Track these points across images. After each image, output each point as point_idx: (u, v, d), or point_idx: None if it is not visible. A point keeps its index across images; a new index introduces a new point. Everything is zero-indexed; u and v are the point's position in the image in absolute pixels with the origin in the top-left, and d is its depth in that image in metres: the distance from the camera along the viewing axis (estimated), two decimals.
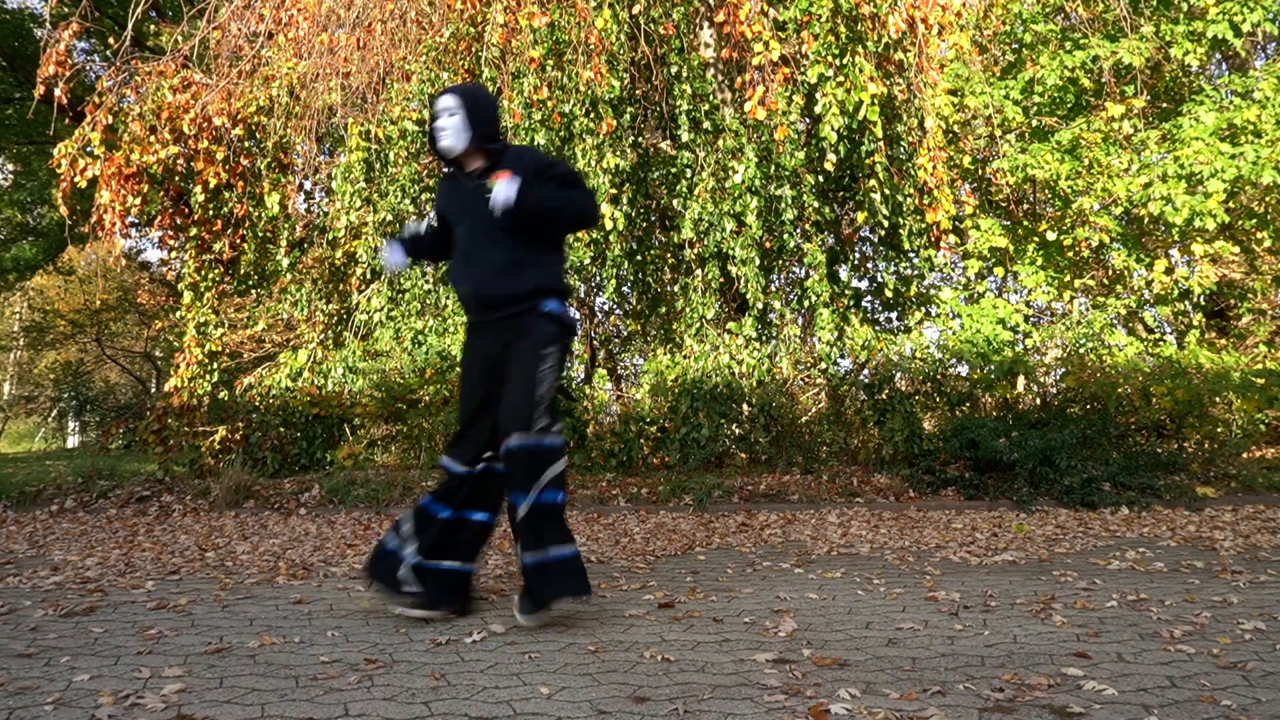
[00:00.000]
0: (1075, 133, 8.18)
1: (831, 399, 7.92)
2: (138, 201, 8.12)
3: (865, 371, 7.74)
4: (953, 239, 8.48)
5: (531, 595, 2.83)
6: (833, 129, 6.98)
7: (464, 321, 3.40)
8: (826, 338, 7.43)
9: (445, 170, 3.19)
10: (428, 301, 7.95)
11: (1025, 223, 9.08)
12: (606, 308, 10.97)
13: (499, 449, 2.89)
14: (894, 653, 2.53)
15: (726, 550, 4.40)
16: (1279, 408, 7.35)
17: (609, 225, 7.33)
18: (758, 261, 7.32)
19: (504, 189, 2.81)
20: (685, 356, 7.49)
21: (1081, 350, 7.72)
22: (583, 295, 10.23)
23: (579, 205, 2.99)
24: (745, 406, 7.20)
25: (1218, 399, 7.03)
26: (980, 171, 9.23)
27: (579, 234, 7.61)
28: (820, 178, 7.60)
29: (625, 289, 9.72)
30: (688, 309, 7.79)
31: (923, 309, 8.77)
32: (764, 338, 7.76)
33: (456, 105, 2.98)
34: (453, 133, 2.98)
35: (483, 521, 3.01)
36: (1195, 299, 8.67)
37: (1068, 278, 8.61)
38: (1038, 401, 7.55)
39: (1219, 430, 7.12)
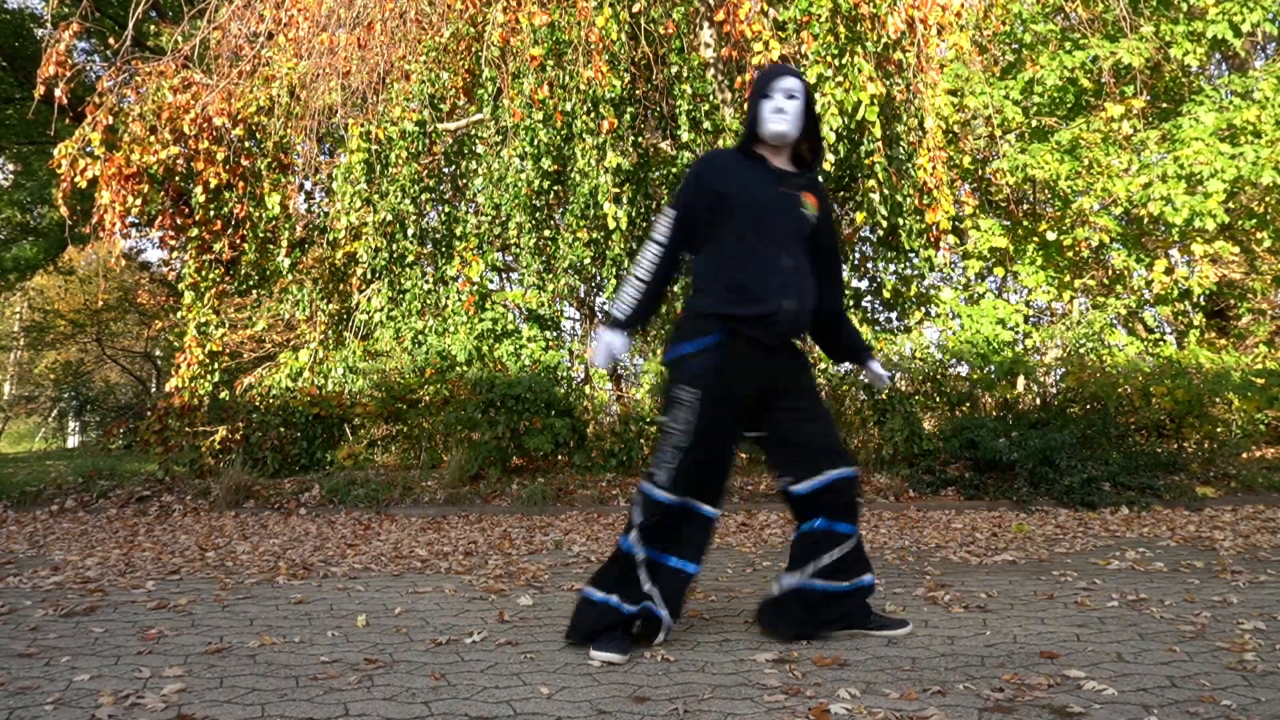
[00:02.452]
0: (1075, 133, 8.18)
1: (831, 399, 7.92)
2: (138, 202, 8.12)
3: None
4: (952, 239, 8.48)
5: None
6: (831, 129, 6.98)
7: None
8: None
9: (728, 151, 2.77)
10: (428, 301, 7.95)
11: (1025, 223, 9.08)
12: (606, 308, 10.97)
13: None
14: (894, 653, 2.53)
15: (726, 550, 4.40)
16: (1279, 408, 7.35)
17: (610, 225, 7.33)
18: None
19: (884, 378, 2.90)
20: None
21: (1081, 350, 7.72)
22: (583, 295, 10.23)
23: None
24: None
25: (1218, 399, 7.03)
26: (980, 171, 9.23)
27: (579, 234, 7.61)
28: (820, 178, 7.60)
29: None
30: None
31: (923, 309, 8.77)
32: None
33: (800, 89, 2.65)
34: (794, 118, 2.62)
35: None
36: (1195, 299, 8.67)
37: (1068, 278, 8.61)
38: (1038, 401, 7.55)
39: (1219, 430, 7.12)
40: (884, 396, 7.24)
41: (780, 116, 2.60)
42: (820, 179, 2.82)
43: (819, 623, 2.65)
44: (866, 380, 2.83)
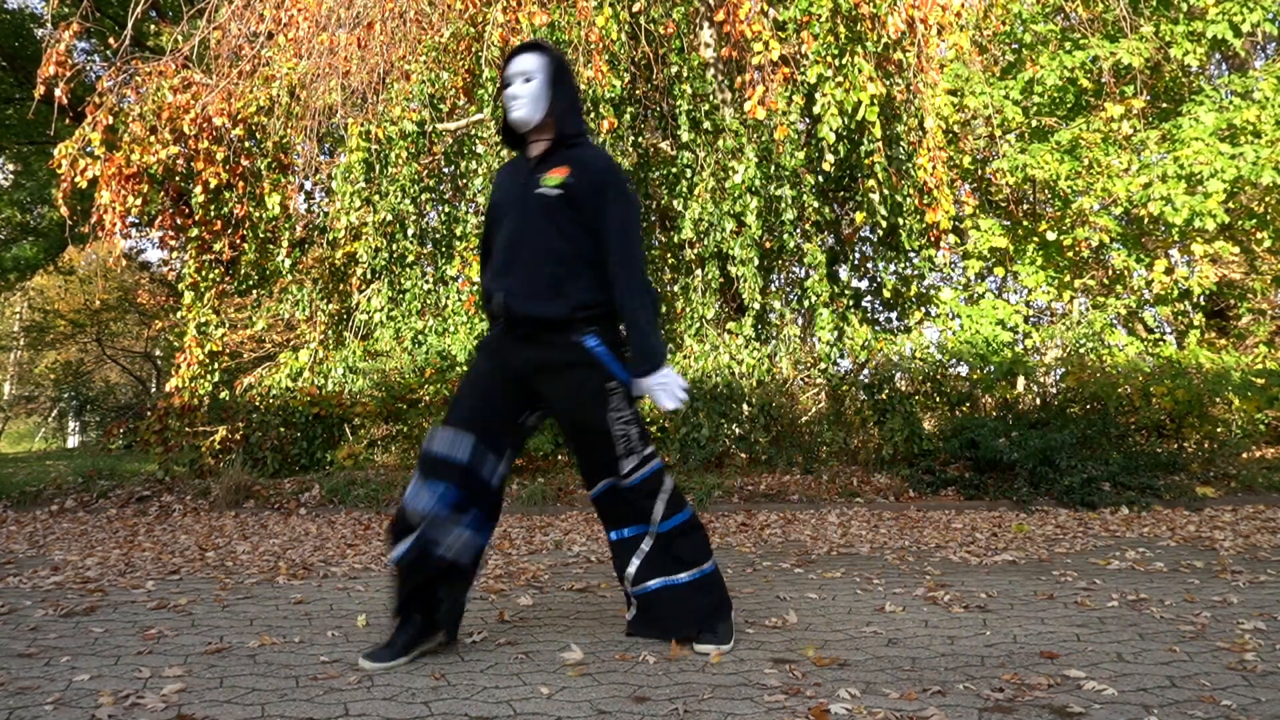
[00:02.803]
0: (1075, 133, 8.18)
1: (831, 399, 7.92)
2: (138, 202, 8.12)
3: (865, 371, 7.75)
4: (952, 239, 8.48)
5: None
6: (831, 129, 6.98)
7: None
8: (826, 338, 7.44)
9: (507, 162, 2.69)
10: (428, 301, 7.95)
11: (1025, 223, 9.08)
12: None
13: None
14: (894, 653, 2.53)
15: (726, 550, 4.40)
16: (1279, 408, 7.35)
17: None
18: (757, 261, 7.32)
19: (651, 388, 2.45)
20: (685, 356, 7.49)
21: (1081, 350, 7.72)
22: None
23: (648, 318, 2.49)
24: (745, 406, 7.21)
25: (1218, 399, 7.03)
26: (980, 171, 9.23)
27: None
28: (820, 178, 7.60)
29: None
30: (688, 309, 7.80)
31: (922, 309, 8.77)
32: (764, 338, 7.77)
33: (537, 68, 2.50)
34: (530, 100, 2.49)
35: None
36: (1195, 299, 8.67)
37: (1068, 278, 8.61)
38: (1038, 401, 7.55)
39: (1219, 430, 7.13)
40: (884, 396, 7.24)
41: (515, 103, 2.51)
42: (589, 149, 2.54)
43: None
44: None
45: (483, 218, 8.02)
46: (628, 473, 2.52)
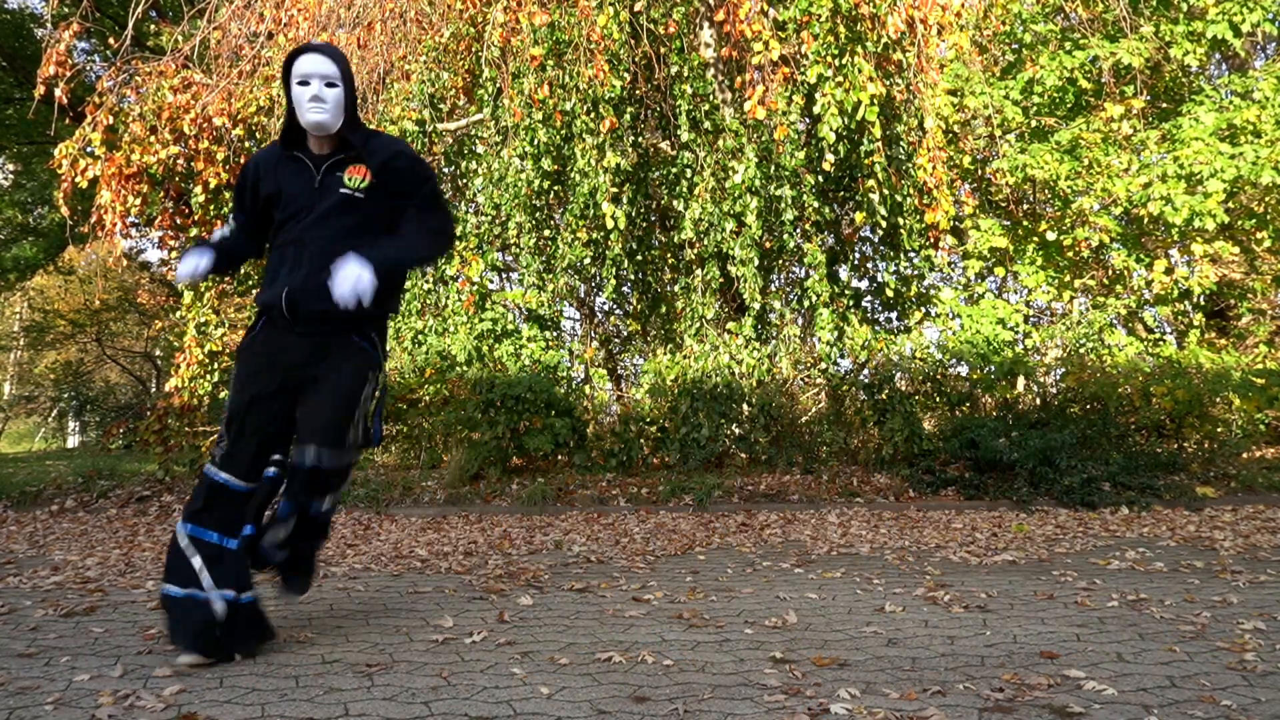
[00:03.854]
0: (1075, 133, 8.18)
1: (831, 399, 7.92)
2: (138, 202, 8.12)
3: (865, 371, 7.75)
4: (950, 239, 8.48)
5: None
6: (831, 129, 6.98)
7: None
8: (826, 338, 7.43)
9: (280, 147, 2.65)
10: (428, 301, 7.95)
11: (1025, 223, 9.08)
12: (606, 308, 10.97)
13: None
14: (894, 653, 2.53)
15: (726, 550, 4.40)
16: (1279, 408, 7.35)
17: (609, 225, 7.33)
18: (757, 261, 7.33)
19: (352, 282, 2.38)
20: (685, 356, 7.49)
21: (1081, 350, 7.72)
22: (583, 295, 10.24)
23: (426, 251, 2.69)
24: (745, 406, 7.21)
25: (1218, 399, 7.03)
26: (980, 171, 9.23)
27: (579, 234, 7.62)
28: (820, 178, 7.61)
29: (625, 289, 9.72)
30: (688, 309, 7.80)
31: (923, 309, 8.77)
32: (764, 338, 7.77)
33: (337, 75, 2.50)
34: (334, 108, 2.50)
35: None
36: (1195, 299, 8.67)
37: (1068, 278, 8.61)
38: (1038, 401, 7.55)
39: (1219, 430, 7.12)
40: (884, 396, 7.24)
41: (320, 106, 2.49)
42: (379, 142, 2.62)
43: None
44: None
45: (483, 218, 8.04)
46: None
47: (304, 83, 2.50)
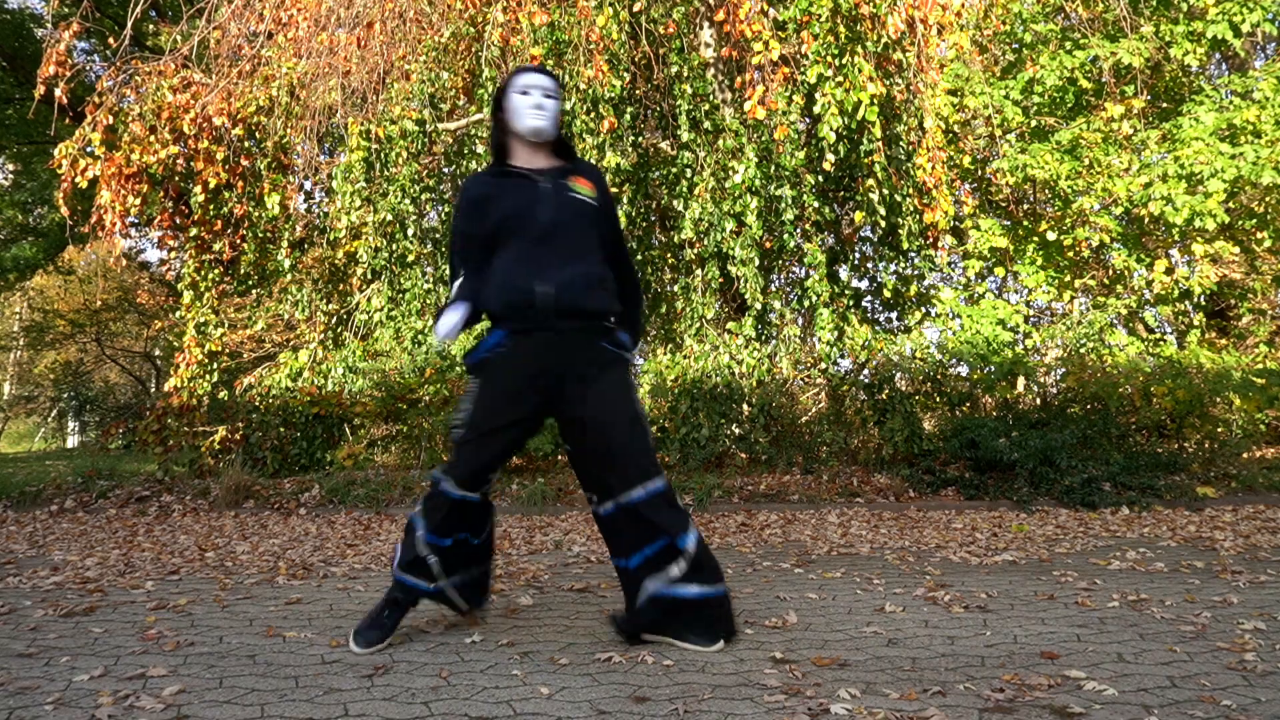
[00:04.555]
0: (1075, 133, 8.18)
1: (831, 399, 7.92)
2: (138, 201, 8.12)
3: (865, 371, 7.74)
4: (950, 240, 8.48)
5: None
6: (831, 129, 6.98)
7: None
8: (826, 338, 7.43)
9: (476, 179, 2.74)
10: (428, 301, 7.95)
11: (1025, 223, 9.08)
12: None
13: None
14: (894, 653, 2.53)
15: (726, 550, 4.40)
16: (1279, 408, 7.35)
17: None
18: (757, 261, 7.33)
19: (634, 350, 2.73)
20: (685, 356, 7.49)
21: (1082, 350, 7.72)
22: None
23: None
24: (745, 406, 7.21)
25: (1218, 399, 7.03)
26: (980, 171, 9.23)
27: None
28: (820, 178, 7.61)
29: None
30: (688, 309, 7.79)
31: (923, 309, 8.77)
32: (764, 338, 7.77)
33: (556, 90, 2.69)
34: (552, 117, 2.66)
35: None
36: (1195, 299, 8.67)
37: (1068, 278, 8.61)
38: (1038, 401, 7.55)
39: (1219, 430, 7.12)
40: (884, 396, 7.24)
41: (541, 113, 2.63)
42: (585, 163, 2.80)
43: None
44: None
45: None
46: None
47: (525, 92, 2.64)
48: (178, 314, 9.43)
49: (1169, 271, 8.26)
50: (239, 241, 8.53)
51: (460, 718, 2.03)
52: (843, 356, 7.77)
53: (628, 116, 7.64)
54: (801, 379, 8.05)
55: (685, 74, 7.60)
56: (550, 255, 2.58)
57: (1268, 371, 7.26)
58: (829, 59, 7.02)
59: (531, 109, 2.63)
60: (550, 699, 2.15)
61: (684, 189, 7.82)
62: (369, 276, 8.10)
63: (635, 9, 7.27)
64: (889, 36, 7.11)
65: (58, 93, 7.92)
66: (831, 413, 7.65)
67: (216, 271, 8.58)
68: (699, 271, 7.76)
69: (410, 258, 7.98)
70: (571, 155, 2.77)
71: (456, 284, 2.70)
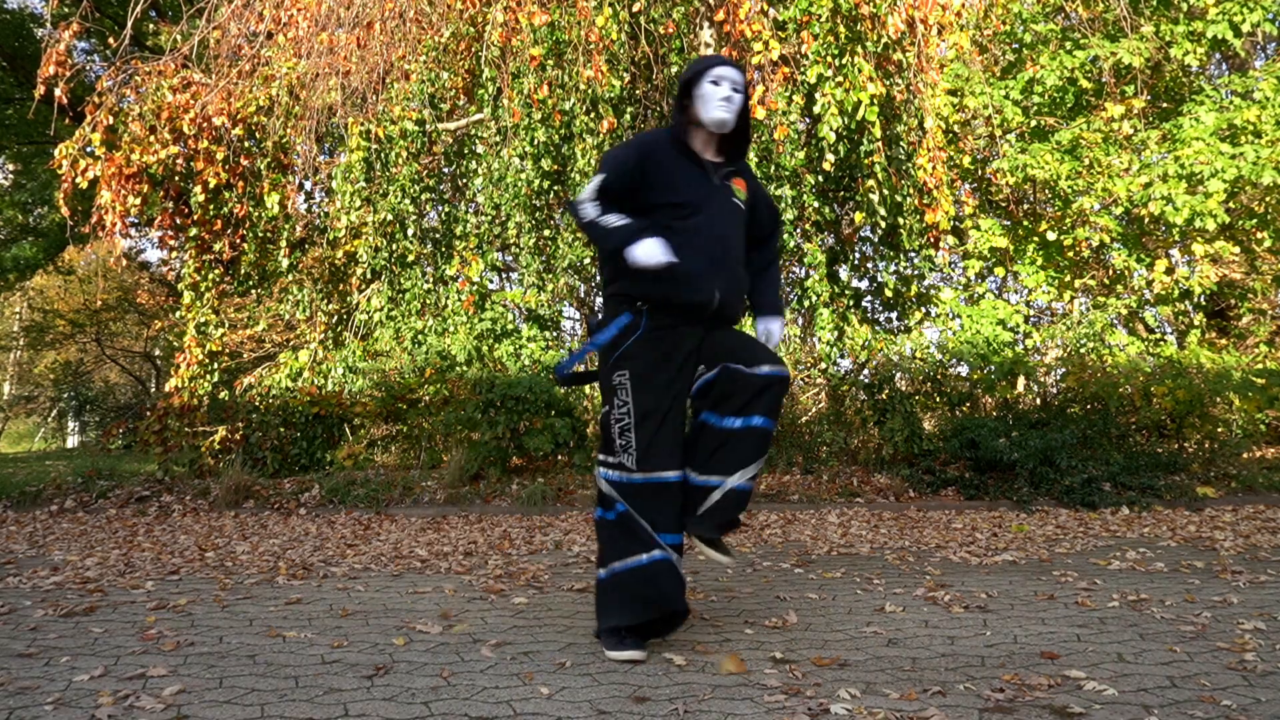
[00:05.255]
0: (1075, 133, 8.17)
1: (831, 399, 7.91)
2: (138, 201, 8.12)
3: (865, 371, 7.74)
4: (950, 240, 8.48)
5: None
6: (831, 129, 6.98)
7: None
8: (826, 338, 7.43)
9: (661, 133, 2.73)
10: (428, 301, 7.95)
11: (1025, 223, 9.08)
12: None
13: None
14: (894, 653, 2.53)
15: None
16: (1279, 408, 7.34)
17: None
18: None
19: (778, 336, 2.82)
20: None
21: (1082, 350, 7.72)
22: (583, 295, 10.23)
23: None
24: None
25: (1218, 399, 7.03)
26: (980, 171, 9.23)
27: (579, 234, 7.62)
28: (820, 178, 7.60)
29: None
30: None
31: (923, 309, 8.77)
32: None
33: (744, 85, 2.69)
34: (737, 111, 2.66)
35: None
36: (1195, 299, 8.67)
37: (1068, 278, 8.61)
38: (1038, 401, 7.55)
39: (1219, 430, 7.12)
40: (884, 396, 7.24)
41: (728, 105, 2.63)
42: (743, 165, 2.85)
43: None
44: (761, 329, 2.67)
45: (483, 218, 8.03)
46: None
47: (717, 83, 2.64)
48: (178, 314, 9.44)
49: (1169, 271, 8.26)
50: (239, 241, 8.52)
51: (460, 718, 2.03)
52: (843, 356, 7.76)
53: (628, 116, 7.63)
54: (802, 379, 8.05)
55: None
56: (721, 260, 2.63)
57: (1268, 371, 7.26)
58: (829, 59, 7.02)
59: (721, 101, 2.63)
60: (550, 699, 2.15)
61: None
62: (369, 276, 8.10)
63: (635, 9, 7.27)
64: (889, 37, 7.10)
65: (58, 93, 7.92)
66: (831, 413, 7.64)
67: (217, 271, 8.58)
68: None
69: (410, 258, 7.98)
70: (743, 151, 2.78)
71: (616, 217, 2.57)
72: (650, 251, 2.48)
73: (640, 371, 2.56)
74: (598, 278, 9.35)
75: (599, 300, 10.69)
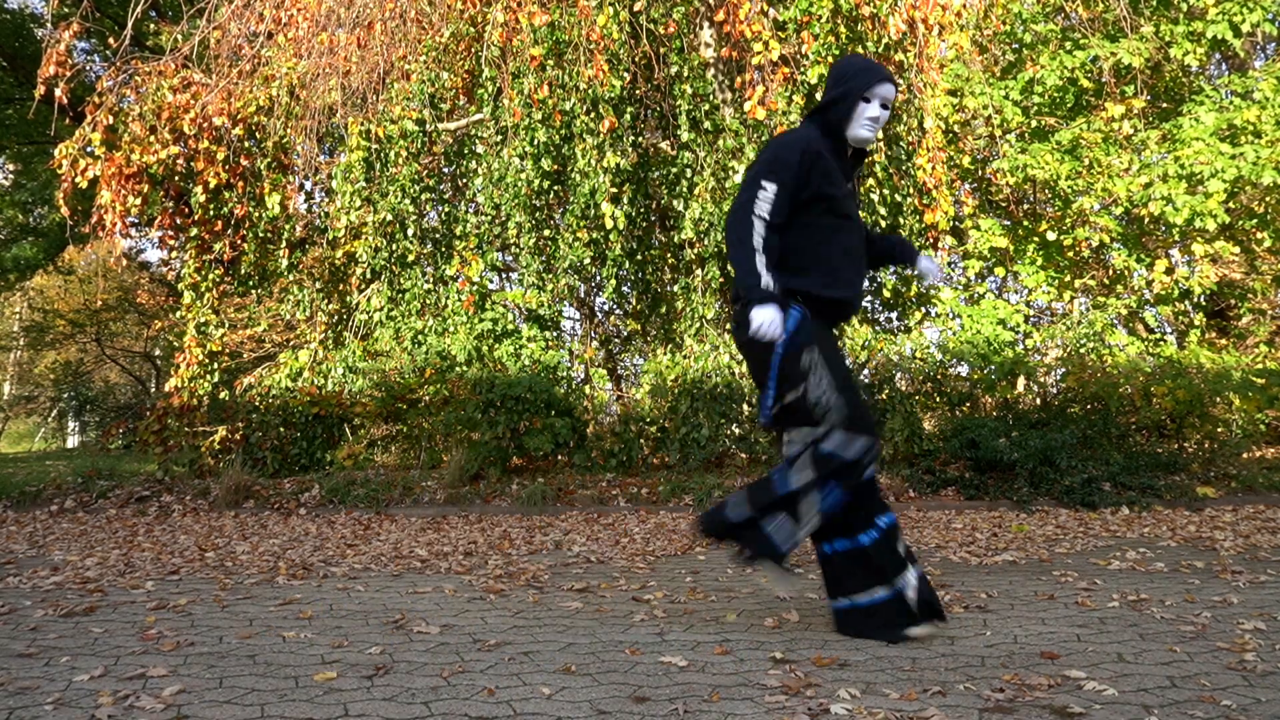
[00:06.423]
0: (1075, 133, 8.18)
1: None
2: (138, 201, 8.12)
3: (865, 371, 7.74)
4: (950, 240, 8.48)
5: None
6: None
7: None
8: None
9: (817, 133, 2.73)
10: (428, 301, 7.95)
11: (1025, 223, 9.08)
12: (606, 308, 10.97)
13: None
14: (894, 653, 2.53)
15: (727, 550, 4.40)
16: (1279, 408, 7.34)
17: (609, 225, 7.33)
18: None
19: (935, 266, 2.95)
20: (685, 356, 7.49)
21: (1082, 350, 7.72)
22: (583, 295, 10.23)
23: None
24: (745, 406, 7.21)
25: (1218, 399, 7.03)
26: (980, 171, 9.23)
27: (579, 234, 7.63)
28: None
29: (625, 289, 9.72)
30: (688, 309, 7.79)
31: (923, 309, 8.77)
32: None
33: (893, 99, 2.72)
34: (879, 128, 2.71)
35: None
36: (1195, 299, 8.67)
37: (1068, 278, 8.61)
38: (1038, 401, 7.55)
39: (1219, 430, 7.12)
40: (884, 396, 7.24)
41: (876, 128, 2.68)
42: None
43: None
44: (917, 272, 2.76)
45: (483, 218, 8.03)
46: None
47: (869, 100, 2.66)
48: (178, 314, 9.44)
49: (1169, 271, 8.26)
50: (239, 241, 8.52)
51: (460, 718, 2.03)
52: None
53: (628, 116, 7.63)
54: None
55: (685, 74, 7.60)
56: (861, 262, 2.74)
57: (1268, 371, 7.26)
58: (829, 59, 7.02)
59: (868, 121, 2.66)
60: (550, 699, 2.15)
61: (684, 189, 7.81)
62: (369, 276, 8.10)
63: (635, 9, 7.27)
64: (889, 37, 7.10)
65: (58, 93, 7.92)
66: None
67: (217, 272, 8.58)
68: (699, 271, 7.76)
69: (410, 258, 7.98)
70: (861, 159, 2.83)
71: (764, 230, 2.57)
72: (767, 318, 2.51)
73: (826, 352, 2.61)
74: (597, 278, 9.36)
75: (599, 300, 10.68)
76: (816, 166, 2.62)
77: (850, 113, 2.66)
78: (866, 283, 7.54)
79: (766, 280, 2.54)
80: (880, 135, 7.22)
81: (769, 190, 2.57)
